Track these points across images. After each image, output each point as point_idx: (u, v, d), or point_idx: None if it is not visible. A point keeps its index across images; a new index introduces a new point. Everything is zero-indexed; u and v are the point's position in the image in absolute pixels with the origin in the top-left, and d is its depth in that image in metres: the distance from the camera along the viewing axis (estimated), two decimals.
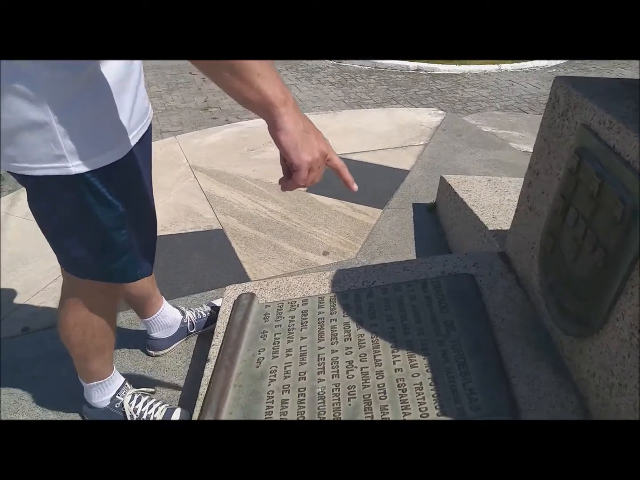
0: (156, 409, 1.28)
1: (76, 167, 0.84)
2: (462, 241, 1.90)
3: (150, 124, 1.02)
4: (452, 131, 3.12)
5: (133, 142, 0.92)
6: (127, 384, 1.30)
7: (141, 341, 1.55)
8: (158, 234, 1.15)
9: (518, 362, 1.13)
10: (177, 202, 2.33)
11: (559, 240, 1.11)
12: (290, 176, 0.81)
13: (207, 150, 2.85)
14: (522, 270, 1.34)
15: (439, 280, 1.37)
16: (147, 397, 1.30)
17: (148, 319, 1.44)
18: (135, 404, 1.27)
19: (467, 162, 2.75)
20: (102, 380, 1.23)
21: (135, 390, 1.30)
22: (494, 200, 1.88)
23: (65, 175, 0.84)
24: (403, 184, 2.51)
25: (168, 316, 1.47)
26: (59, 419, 1.34)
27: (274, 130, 0.74)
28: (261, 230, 2.11)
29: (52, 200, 0.90)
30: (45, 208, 0.93)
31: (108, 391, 1.26)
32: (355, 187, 0.89)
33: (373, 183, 2.51)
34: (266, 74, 0.69)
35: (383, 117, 3.37)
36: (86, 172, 0.86)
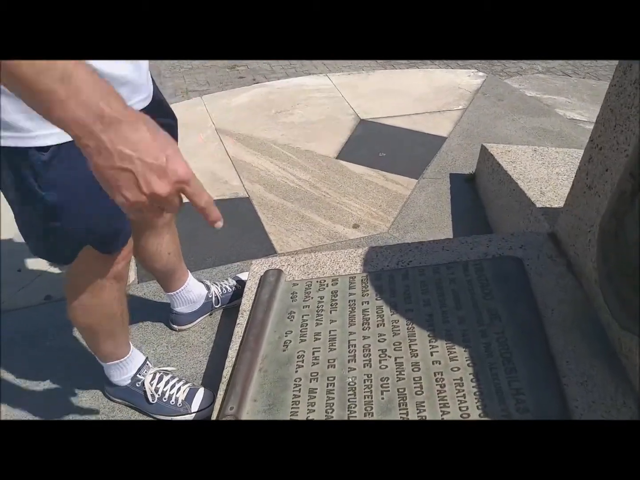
0: (178, 389, 1.24)
1: (6, 139, 0.76)
2: (503, 217, 1.77)
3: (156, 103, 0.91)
4: (492, 95, 2.92)
5: None
6: (148, 362, 1.25)
7: (165, 314, 1.50)
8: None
9: (570, 360, 1.02)
10: (203, 168, 2.24)
11: (623, 225, 0.98)
12: None
13: (234, 112, 2.73)
14: (575, 256, 1.22)
15: (482, 262, 1.26)
16: (169, 375, 1.26)
17: (172, 293, 1.38)
18: (157, 383, 1.23)
19: (509, 129, 2.57)
20: (119, 361, 1.18)
21: (156, 369, 1.25)
22: (542, 173, 1.74)
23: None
24: (440, 152, 2.36)
25: (193, 291, 1.41)
26: (78, 393, 1.31)
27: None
28: (289, 200, 2.02)
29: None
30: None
31: (127, 370, 1.21)
32: (219, 224, 0.63)
33: (407, 150, 2.37)
34: (73, 87, 0.48)
35: (419, 79, 3.18)
36: (10, 148, 0.77)
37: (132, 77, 0.84)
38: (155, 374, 1.24)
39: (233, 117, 2.68)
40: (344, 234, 1.83)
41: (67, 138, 0.75)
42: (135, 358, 1.22)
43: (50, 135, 0.77)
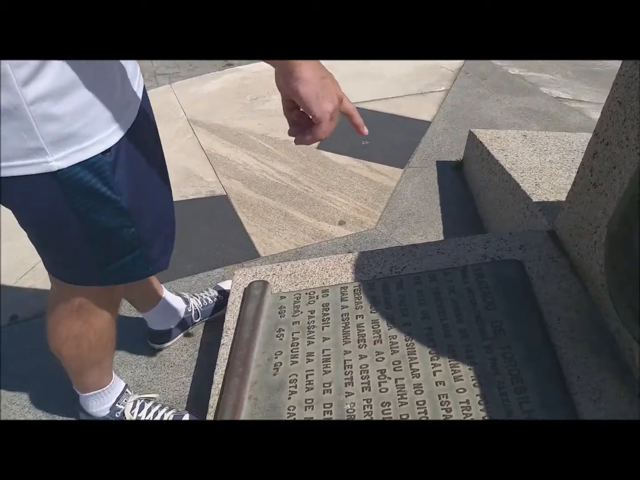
0: (162, 417, 1.15)
1: (59, 160, 0.65)
2: (496, 209, 1.70)
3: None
4: (475, 74, 2.82)
5: (132, 114, 0.73)
6: (127, 389, 1.15)
7: (143, 331, 1.39)
8: None
9: (580, 374, 0.96)
10: (175, 163, 2.10)
11: (636, 232, 0.91)
12: (301, 128, 0.72)
13: (207, 101, 2.58)
14: (579, 257, 1.15)
15: (481, 267, 1.19)
16: (150, 402, 1.16)
17: (147, 312, 1.27)
18: (139, 412, 1.14)
19: (494, 110, 2.49)
20: (100, 390, 1.08)
21: (137, 396, 1.15)
22: (534, 162, 1.66)
23: (45, 172, 0.65)
24: (424, 137, 2.26)
25: (169, 307, 1.30)
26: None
27: (291, 80, 0.64)
28: (269, 196, 1.91)
29: (32, 204, 0.71)
30: (24, 212, 0.74)
31: (107, 400, 1.11)
32: (365, 130, 0.77)
33: (390, 137, 2.27)
34: None
35: None
36: (73, 166, 0.67)
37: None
38: (135, 402, 1.14)
39: (205, 106, 2.53)
40: (329, 232, 1.73)
41: (123, 130, 0.71)
42: (116, 386, 1.12)
43: (109, 135, 0.70)
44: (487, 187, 1.79)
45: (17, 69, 0.58)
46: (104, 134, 0.69)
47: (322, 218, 1.79)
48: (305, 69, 0.64)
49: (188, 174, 2.06)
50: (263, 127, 2.34)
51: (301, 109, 0.70)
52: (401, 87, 2.70)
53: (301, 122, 0.72)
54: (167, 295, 1.31)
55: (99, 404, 1.12)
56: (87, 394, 1.10)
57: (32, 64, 0.58)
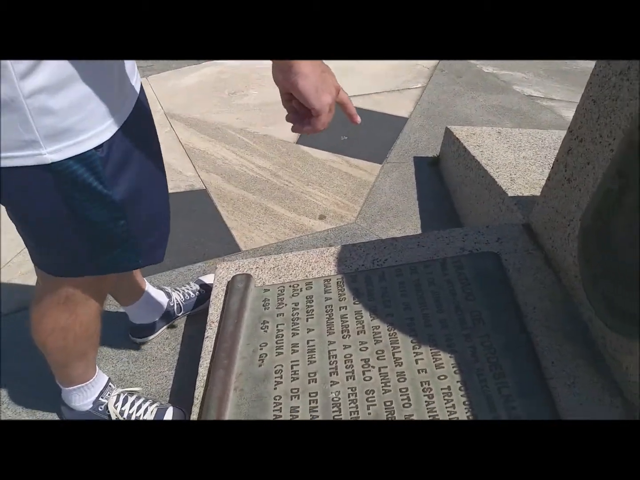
0: (145, 410, 1.15)
1: (53, 154, 0.65)
2: (472, 204, 1.74)
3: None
4: (451, 72, 2.87)
5: (127, 109, 0.73)
6: (111, 383, 1.15)
7: (123, 324, 1.38)
8: None
9: (555, 360, 1.01)
10: None
11: (610, 226, 0.95)
12: (299, 117, 0.73)
13: (184, 95, 2.56)
14: (553, 249, 1.19)
15: (460, 259, 1.22)
16: (134, 396, 1.16)
17: (129, 305, 1.27)
18: (122, 406, 1.13)
19: (469, 108, 2.54)
20: (84, 384, 1.08)
21: (120, 390, 1.15)
22: (509, 158, 1.71)
23: (39, 164, 0.65)
24: (402, 134, 2.30)
25: (151, 301, 1.30)
26: (32, 419, 1.20)
27: (290, 75, 0.65)
28: (249, 191, 1.91)
29: (24, 196, 0.70)
30: (17, 204, 0.73)
31: (90, 394, 1.11)
32: (358, 119, 0.79)
33: (369, 133, 2.29)
34: None
35: None
36: (66, 159, 0.66)
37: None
38: (119, 395, 1.14)
39: (183, 100, 2.51)
40: (310, 227, 1.75)
41: (117, 125, 0.71)
42: (99, 380, 1.11)
43: (103, 131, 0.69)
44: (463, 182, 1.83)
45: (16, 61, 0.57)
46: (98, 129, 0.69)
47: (302, 212, 1.81)
48: (305, 63, 0.65)
49: (166, 168, 2.02)
50: (241, 121, 2.34)
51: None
52: (378, 83, 2.73)
53: (300, 111, 0.73)
54: (150, 289, 1.30)
55: (82, 398, 1.11)
56: (70, 388, 1.09)
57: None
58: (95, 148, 0.69)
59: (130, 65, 0.76)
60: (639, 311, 0.89)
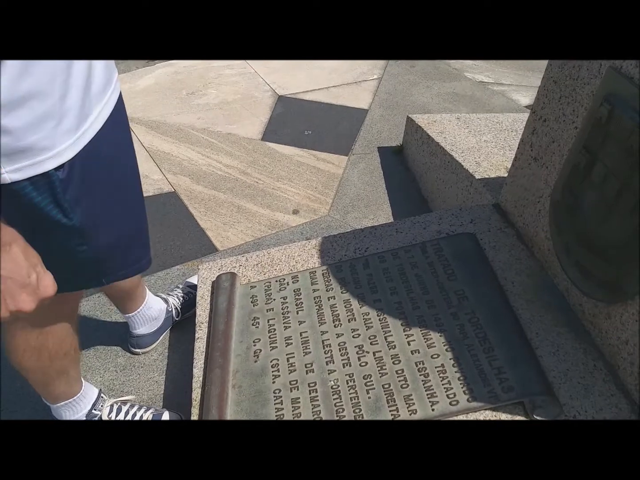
0: (141, 417, 1.13)
1: (12, 173, 0.62)
2: (439, 189, 1.80)
3: (121, 95, 0.79)
4: (404, 62, 2.93)
5: (94, 129, 0.70)
6: (103, 394, 1.12)
7: (106, 333, 1.36)
8: None
9: (538, 330, 1.06)
10: None
11: (579, 198, 1.01)
12: None
13: (141, 97, 2.50)
14: (524, 226, 1.25)
15: (439, 242, 1.26)
16: (127, 405, 1.14)
17: (132, 313, 1.24)
18: (116, 416, 1.11)
19: (425, 96, 2.60)
20: (70, 400, 1.05)
21: (113, 400, 1.13)
22: (471, 142, 1.77)
23: None
24: (364, 125, 2.33)
25: (153, 307, 1.28)
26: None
27: None
28: (220, 190, 1.90)
29: None
30: None
31: (81, 408, 1.08)
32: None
33: (332, 126, 2.32)
34: None
35: None
36: (23, 181, 0.64)
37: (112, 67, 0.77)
38: (112, 406, 1.12)
39: (140, 102, 2.46)
40: (285, 222, 1.76)
41: (80, 146, 0.68)
42: (88, 393, 1.09)
43: (63, 150, 0.66)
44: (429, 168, 1.88)
45: None
46: (59, 149, 0.66)
47: (275, 208, 1.82)
48: None
49: None
50: (203, 121, 2.31)
51: None
52: (337, 76, 2.75)
53: None
54: (150, 297, 1.28)
55: (73, 413, 1.08)
56: (58, 405, 1.06)
57: None
58: (56, 169, 0.66)
59: (101, 80, 0.73)
60: (613, 277, 0.95)
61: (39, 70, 0.60)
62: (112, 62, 0.78)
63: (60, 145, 0.66)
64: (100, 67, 0.71)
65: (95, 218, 0.75)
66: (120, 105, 0.80)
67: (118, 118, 0.79)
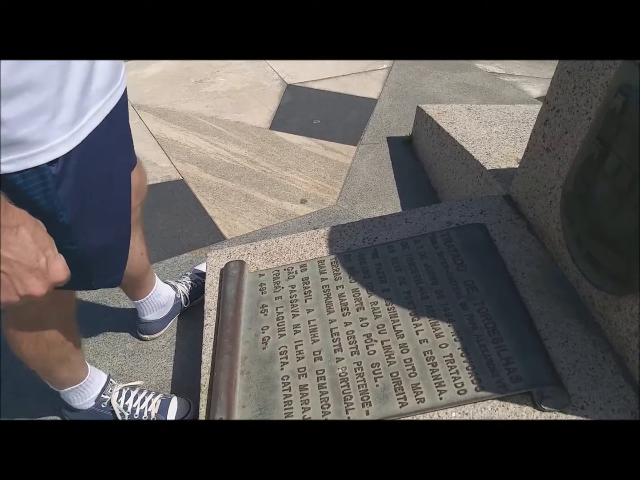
0: (149, 402, 1.14)
1: (6, 164, 0.62)
2: (449, 179, 1.79)
3: (125, 91, 0.78)
4: None
5: (90, 126, 0.69)
6: (112, 379, 1.13)
7: (115, 319, 1.37)
8: None
9: (548, 322, 1.06)
10: None
11: (592, 189, 1.01)
12: None
13: (149, 84, 2.50)
14: (535, 217, 1.25)
15: (448, 232, 1.26)
16: (136, 390, 1.15)
17: (142, 300, 1.25)
18: (125, 400, 1.12)
19: (435, 86, 2.58)
20: (78, 385, 1.06)
21: (122, 385, 1.14)
22: (482, 133, 1.76)
23: None
24: (373, 115, 2.32)
25: (162, 294, 1.29)
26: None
27: None
28: (227, 179, 1.90)
29: None
30: None
31: (89, 392, 1.09)
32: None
33: (341, 115, 2.31)
34: None
35: None
36: (15, 173, 0.63)
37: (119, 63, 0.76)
38: (121, 390, 1.13)
39: (148, 90, 2.45)
40: (293, 211, 1.76)
41: (76, 142, 0.66)
42: (95, 378, 1.10)
43: (58, 145, 0.64)
44: (438, 159, 1.87)
45: None
46: (53, 143, 0.64)
47: (283, 197, 1.81)
48: None
49: (140, 160, 1.99)
50: (211, 109, 2.31)
51: None
52: (346, 65, 2.73)
53: None
54: (159, 283, 1.29)
55: (81, 398, 1.09)
56: (65, 390, 1.07)
57: None
58: (49, 163, 0.64)
59: (106, 75, 0.71)
60: (623, 269, 0.95)
61: (34, 62, 0.59)
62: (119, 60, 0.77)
63: (54, 140, 0.64)
64: (105, 62, 0.70)
65: (86, 217, 0.73)
66: (123, 102, 0.79)
67: (119, 116, 0.78)
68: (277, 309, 1.16)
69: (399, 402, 0.96)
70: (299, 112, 2.31)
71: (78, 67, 0.65)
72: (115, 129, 0.76)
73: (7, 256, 0.51)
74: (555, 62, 1.16)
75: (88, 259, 0.78)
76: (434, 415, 0.94)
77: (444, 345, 1.03)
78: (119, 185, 0.81)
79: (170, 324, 1.36)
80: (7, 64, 0.56)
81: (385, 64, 2.76)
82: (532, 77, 2.70)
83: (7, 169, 0.62)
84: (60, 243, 0.71)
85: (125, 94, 0.79)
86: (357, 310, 1.12)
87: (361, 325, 1.09)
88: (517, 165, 1.34)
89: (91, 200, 0.73)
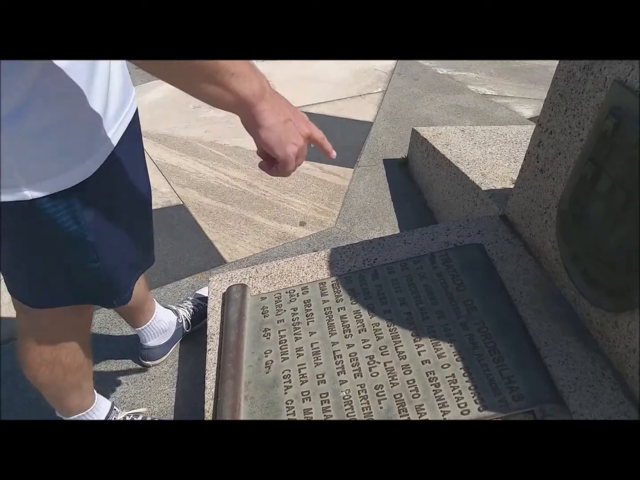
0: None
1: (32, 190, 0.64)
2: (445, 200, 1.81)
3: (137, 110, 0.81)
4: (408, 75, 2.97)
5: (110, 146, 0.72)
6: (115, 407, 1.13)
7: (117, 346, 1.37)
8: None
9: (547, 340, 1.07)
10: None
11: (586, 209, 1.03)
12: (272, 163, 0.73)
13: (149, 111, 2.54)
14: (531, 236, 1.27)
15: (447, 252, 1.28)
16: (140, 417, 1.15)
17: (142, 327, 1.26)
18: None
19: (429, 109, 2.63)
20: (83, 413, 1.06)
21: (125, 413, 1.14)
22: (476, 154, 1.79)
23: (19, 201, 0.64)
24: (369, 137, 2.36)
25: (163, 320, 1.29)
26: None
27: (253, 127, 0.66)
28: (227, 203, 1.92)
29: (6, 230, 0.69)
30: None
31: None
32: (334, 154, 0.84)
33: (338, 138, 2.34)
34: (240, 71, 0.60)
35: (334, 62, 3.14)
36: (43, 197, 0.65)
37: (129, 85, 0.80)
38: (125, 418, 1.13)
39: (148, 116, 2.49)
40: (292, 234, 1.78)
41: (98, 164, 0.70)
42: (101, 405, 1.10)
43: (82, 170, 0.68)
44: (434, 180, 1.90)
45: None
46: (79, 168, 0.68)
47: (282, 220, 1.83)
48: (268, 115, 0.64)
49: None
50: (210, 134, 2.34)
51: None
52: (341, 90, 2.79)
53: (269, 157, 0.72)
54: (159, 309, 1.30)
55: None
56: (72, 417, 1.07)
57: (12, 104, 0.58)
58: (75, 186, 0.68)
59: (119, 97, 0.75)
60: (620, 286, 0.96)
61: (61, 102, 0.63)
62: (129, 81, 0.80)
63: (79, 165, 0.68)
64: (116, 89, 0.73)
65: (110, 235, 0.77)
66: (135, 121, 0.82)
67: (134, 134, 0.82)
68: (279, 332, 1.17)
69: None
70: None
71: (97, 99, 0.68)
72: (132, 146, 0.81)
73: (286, 110, 0.67)
74: (547, 84, 1.19)
75: (111, 275, 0.81)
76: None
77: (446, 366, 1.03)
78: (141, 199, 0.85)
79: (172, 349, 1.36)
80: (37, 105, 0.59)
81: (379, 87, 2.82)
82: (524, 98, 2.75)
83: (35, 194, 0.65)
84: (86, 261, 0.74)
85: (136, 114, 0.82)
86: (359, 332, 1.13)
87: (364, 347, 1.10)
88: (512, 186, 1.37)
89: (115, 218, 0.77)
